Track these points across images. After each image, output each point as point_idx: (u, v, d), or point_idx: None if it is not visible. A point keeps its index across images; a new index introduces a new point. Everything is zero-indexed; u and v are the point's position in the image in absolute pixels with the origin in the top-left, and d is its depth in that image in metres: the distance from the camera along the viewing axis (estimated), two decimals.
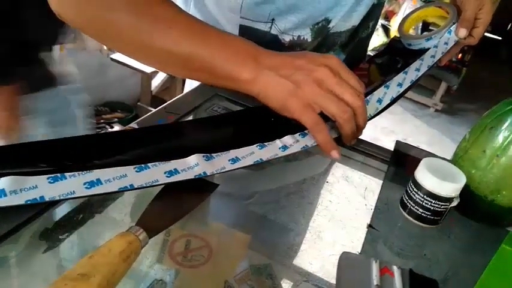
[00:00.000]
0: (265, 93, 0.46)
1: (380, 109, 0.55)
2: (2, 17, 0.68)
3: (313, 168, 0.56)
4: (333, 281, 0.36)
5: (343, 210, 0.45)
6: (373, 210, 0.45)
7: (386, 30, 3.01)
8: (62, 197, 0.33)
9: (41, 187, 0.33)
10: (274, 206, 0.46)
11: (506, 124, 0.43)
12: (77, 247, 0.37)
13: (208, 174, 0.40)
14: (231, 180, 0.47)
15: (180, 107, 0.57)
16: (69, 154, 0.39)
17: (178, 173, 0.39)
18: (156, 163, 0.39)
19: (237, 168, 0.42)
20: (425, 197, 0.42)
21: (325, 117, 0.46)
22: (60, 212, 0.38)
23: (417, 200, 0.42)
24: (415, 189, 0.42)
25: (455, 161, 0.47)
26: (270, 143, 0.46)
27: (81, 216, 0.38)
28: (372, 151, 0.56)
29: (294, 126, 0.47)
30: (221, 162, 0.41)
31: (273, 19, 0.57)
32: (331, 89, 0.45)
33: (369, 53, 0.77)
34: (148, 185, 0.37)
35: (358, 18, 0.61)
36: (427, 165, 0.42)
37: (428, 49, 0.63)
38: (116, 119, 2.08)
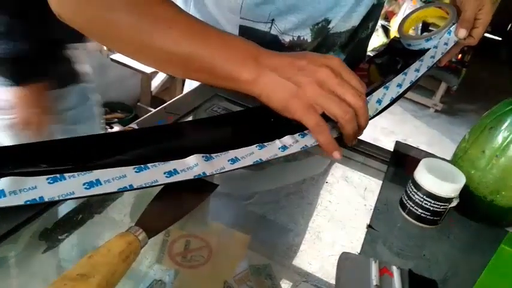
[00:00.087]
0: (266, 94, 0.46)
1: (379, 110, 0.55)
2: (31, 17, 0.70)
3: (312, 168, 0.56)
4: (333, 281, 0.36)
5: (342, 210, 0.45)
6: (372, 210, 0.45)
7: (386, 30, 3.01)
8: (61, 198, 0.33)
9: (40, 187, 0.33)
10: (273, 206, 0.46)
11: (506, 124, 0.43)
12: (77, 247, 0.37)
13: (208, 174, 0.40)
14: (231, 180, 0.47)
15: (180, 107, 0.57)
16: (69, 154, 0.39)
17: (178, 173, 0.39)
18: (156, 163, 0.39)
19: (237, 169, 0.42)
20: (424, 197, 0.42)
21: (325, 117, 0.46)
22: (60, 212, 0.38)
23: (417, 200, 0.42)
24: (414, 190, 0.42)
25: (454, 161, 0.47)
26: (269, 143, 0.46)
27: (81, 216, 0.38)
28: (371, 151, 0.56)
29: (294, 127, 0.47)
30: (220, 163, 0.41)
31: (272, 19, 0.57)
32: (333, 90, 0.45)
33: (368, 53, 0.77)
34: (147, 185, 0.37)
35: (358, 18, 0.61)
36: (427, 166, 0.42)
37: (428, 49, 0.63)
38: (116, 120, 2.08)
